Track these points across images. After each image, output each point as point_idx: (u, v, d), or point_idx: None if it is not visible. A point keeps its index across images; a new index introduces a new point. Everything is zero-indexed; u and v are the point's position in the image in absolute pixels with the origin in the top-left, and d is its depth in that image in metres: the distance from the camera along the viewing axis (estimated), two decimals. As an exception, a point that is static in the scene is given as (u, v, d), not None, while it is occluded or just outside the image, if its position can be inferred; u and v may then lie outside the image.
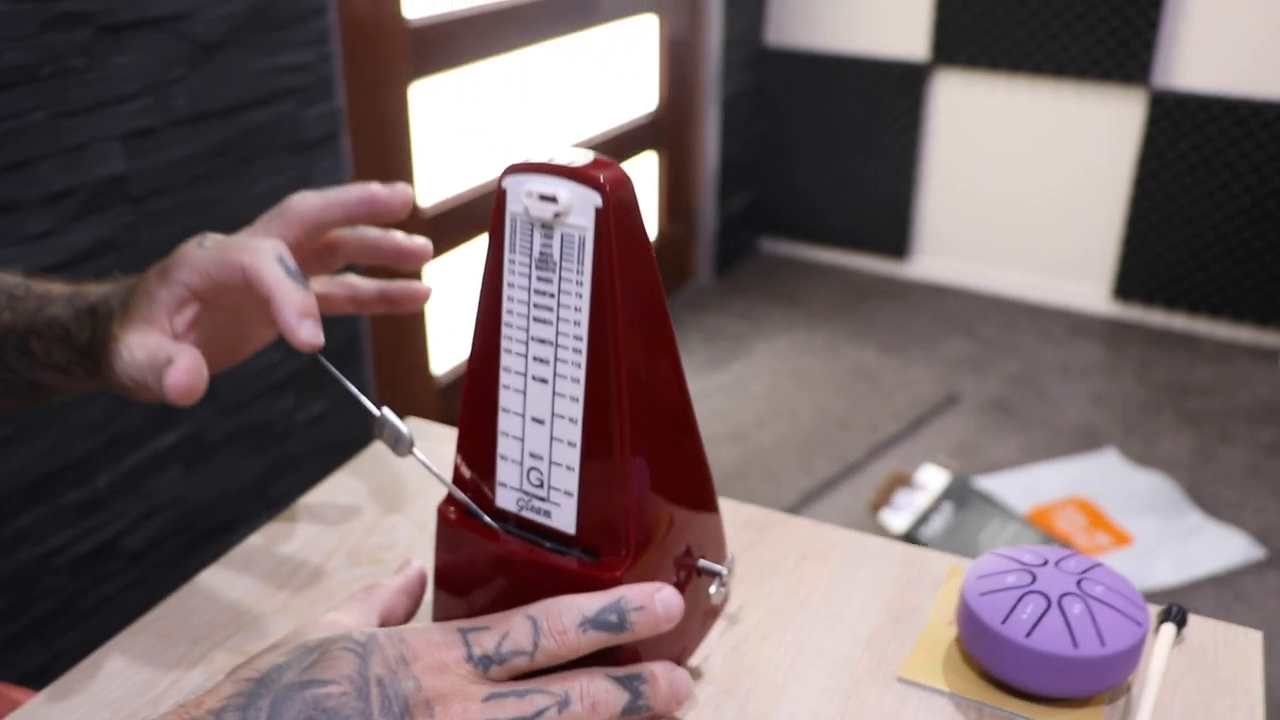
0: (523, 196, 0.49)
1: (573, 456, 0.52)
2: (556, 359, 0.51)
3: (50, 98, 1.28)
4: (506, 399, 0.54)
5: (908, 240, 3.23)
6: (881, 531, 2.07)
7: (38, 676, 1.38)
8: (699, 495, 0.59)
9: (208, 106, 1.48)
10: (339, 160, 1.71)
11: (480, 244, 2.26)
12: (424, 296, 0.72)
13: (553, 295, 0.50)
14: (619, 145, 2.71)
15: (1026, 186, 3.04)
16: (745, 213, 3.34)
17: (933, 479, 2.05)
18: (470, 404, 0.56)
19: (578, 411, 0.52)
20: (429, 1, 2.00)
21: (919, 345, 2.85)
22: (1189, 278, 2.86)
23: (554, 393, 0.52)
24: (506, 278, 0.52)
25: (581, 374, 0.51)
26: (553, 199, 0.48)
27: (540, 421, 0.53)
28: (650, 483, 0.54)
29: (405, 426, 0.56)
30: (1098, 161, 2.90)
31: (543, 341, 0.51)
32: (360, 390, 1.86)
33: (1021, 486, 2.23)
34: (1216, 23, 2.65)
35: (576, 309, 0.50)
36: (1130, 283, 2.94)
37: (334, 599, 0.66)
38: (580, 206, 0.48)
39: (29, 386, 0.67)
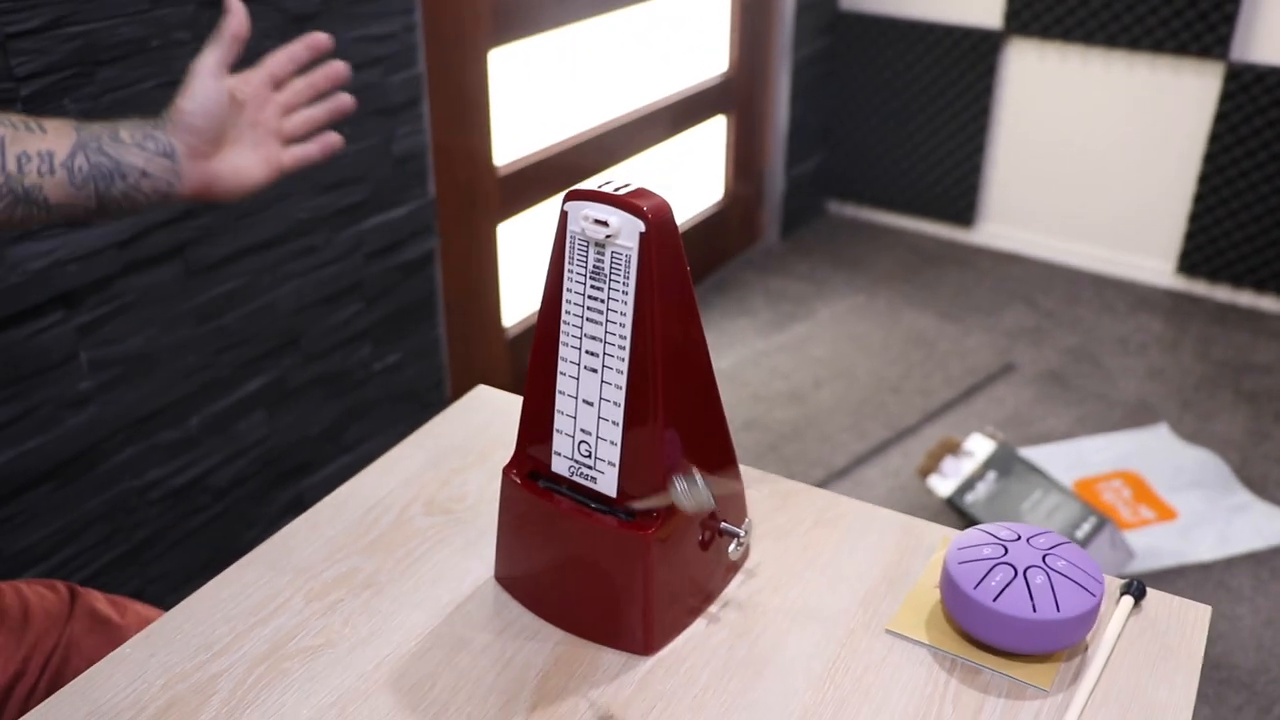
0: (580, 219, 0.60)
1: (616, 433, 0.63)
2: (605, 353, 0.62)
3: (158, 68, 1.40)
4: (563, 384, 0.64)
5: (974, 208, 3.26)
6: (928, 495, 2.15)
7: (135, 598, 1.54)
8: (722, 464, 0.70)
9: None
10: (420, 124, 1.82)
11: (552, 205, 2.36)
12: (340, 73, 0.88)
13: (603, 301, 0.61)
14: (689, 108, 2.79)
15: (1095, 158, 3.06)
16: (813, 175, 3.40)
17: (980, 447, 2.12)
18: (533, 386, 0.66)
19: (621, 397, 0.62)
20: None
21: (979, 313, 2.91)
22: (1257, 255, 2.87)
23: (602, 380, 0.62)
24: (566, 284, 0.62)
25: (625, 366, 0.61)
26: (605, 223, 0.58)
27: (590, 403, 0.63)
28: (679, 455, 0.64)
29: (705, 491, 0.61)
30: (1170, 135, 2.91)
31: (594, 339, 0.62)
32: (433, 343, 1.99)
33: (1070, 458, 2.30)
34: (1296, 0, 2.64)
35: (622, 314, 0.60)
36: (1196, 258, 2.96)
37: (410, 543, 0.77)
38: (627, 230, 0.58)
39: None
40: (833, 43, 3.25)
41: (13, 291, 1.27)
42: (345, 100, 0.89)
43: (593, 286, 0.61)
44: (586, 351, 0.62)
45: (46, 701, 0.66)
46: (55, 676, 0.83)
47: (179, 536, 1.59)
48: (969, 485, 2.05)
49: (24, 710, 0.81)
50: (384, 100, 1.74)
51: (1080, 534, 1.87)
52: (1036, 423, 2.43)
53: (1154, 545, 2.03)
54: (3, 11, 1.20)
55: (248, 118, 0.83)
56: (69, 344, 1.37)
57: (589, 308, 0.61)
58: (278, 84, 0.86)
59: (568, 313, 0.62)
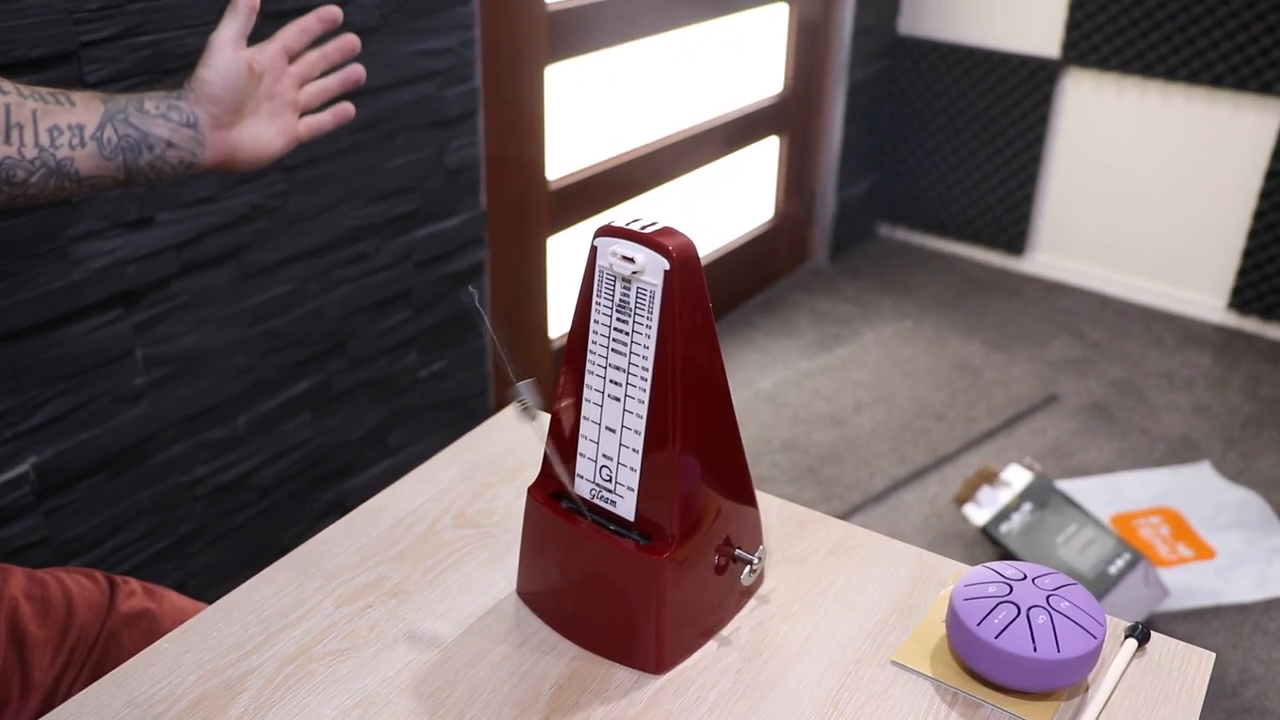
0: (609, 254, 0.62)
1: (636, 460, 0.65)
2: (628, 383, 0.64)
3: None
4: (587, 410, 0.67)
5: (1025, 236, 3.25)
6: (963, 524, 2.15)
7: (176, 590, 1.59)
8: (739, 493, 0.72)
9: (360, 86, 1.64)
10: (474, 136, 1.86)
11: (601, 220, 2.39)
12: (352, 44, 0.92)
13: (628, 334, 0.63)
14: (743, 127, 2.81)
15: (1149, 191, 3.04)
16: (865, 198, 3.41)
17: (1017, 478, 2.12)
18: (559, 410, 0.69)
19: (642, 425, 0.64)
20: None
21: (1025, 343, 2.90)
22: (1311, 294, 2.83)
23: (624, 409, 0.65)
24: (593, 316, 0.65)
25: (646, 397, 0.64)
26: (631, 260, 0.61)
27: (612, 430, 0.66)
28: (697, 482, 0.67)
29: (536, 406, 0.67)
30: (1226, 170, 2.89)
31: (618, 369, 0.64)
32: (478, 352, 2.03)
33: (1108, 492, 2.28)
34: (1360, 38, 2.61)
35: (645, 346, 0.63)
36: (1249, 294, 2.93)
37: (439, 554, 0.80)
38: (653, 268, 0.61)
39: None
40: (889, 66, 3.25)
41: (75, 289, 1.32)
42: (357, 71, 0.93)
43: (618, 319, 0.63)
44: (610, 380, 0.65)
45: (86, 691, 0.69)
46: (96, 667, 0.86)
47: (221, 532, 1.64)
48: (1004, 515, 2.05)
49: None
50: (439, 113, 1.78)
51: (1114, 569, 1.86)
52: (1077, 455, 2.42)
53: (1191, 584, 2.01)
54: (78, 21, 1.25)
55: (264, 89, 0.86)
56: (126, 341, 1.42)
57: (614, 339, 0.64)
58: (291, 56, 0.89)
59: (594, 343, 0.65)
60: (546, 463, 0.71)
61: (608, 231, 0.63)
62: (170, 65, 1.37)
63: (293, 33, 0.89)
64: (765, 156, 3.00)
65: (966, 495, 2.16)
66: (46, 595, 0.87)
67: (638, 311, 0.62)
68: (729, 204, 2.93)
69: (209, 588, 1.64)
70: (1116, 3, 2.85)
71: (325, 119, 0.91)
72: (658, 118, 2.53)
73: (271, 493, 1.70)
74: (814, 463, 2.36)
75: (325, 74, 0.93)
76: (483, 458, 0.92)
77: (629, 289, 0.62)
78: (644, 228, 0.62)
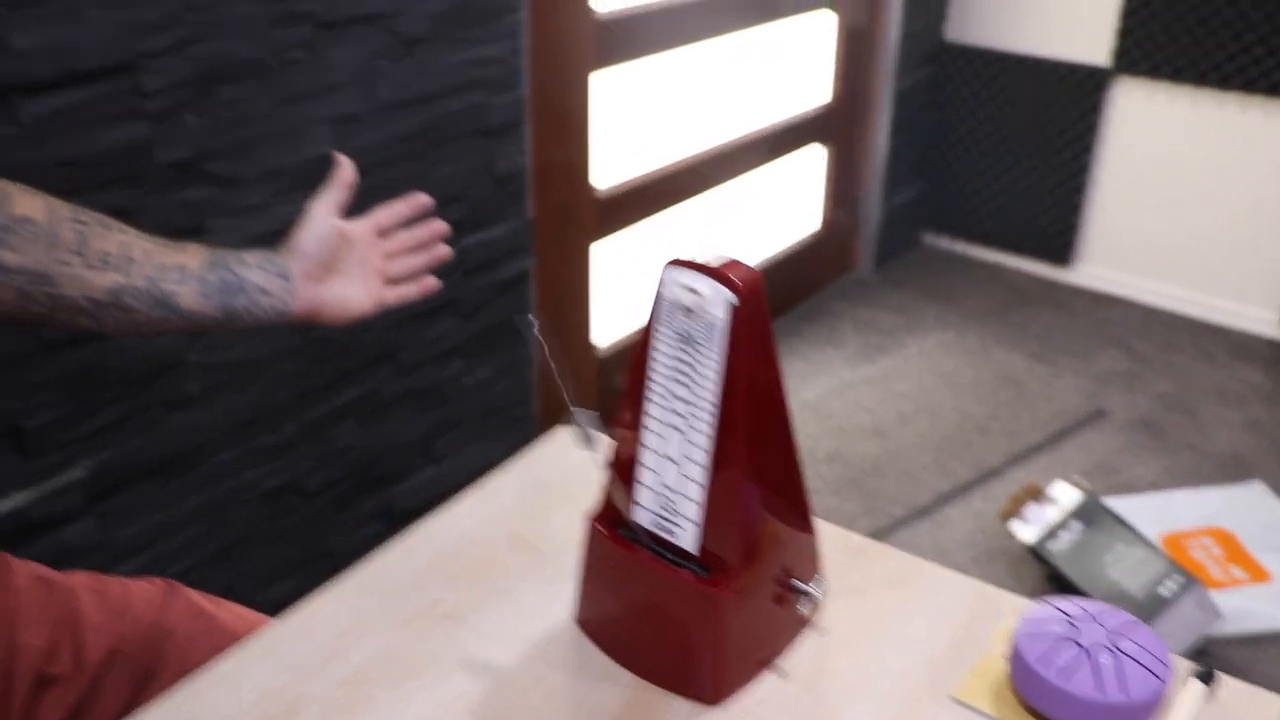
0: (675, 286, 0.62)
1: (697, 492, 0.65)
2: (690, 415, 0.64)
3: (274, 87, 1.46)
4: (648, 439, 0.67)
5: (1072, 247, 3.22)
6: (1009, 540, 2.13)
7: (225, 596, 1.60)
8: (798, 523, 0.71)
9: (407, 95, 1.65)
10: (521, 144, 1.86)
11: (646, 226, 2.39)
12: (441, 230, 1.02)
13: (691, 365, 0.63)
14: (789, 135, 2.80)
15: (1201, 201, 2.99)
16: (910, 206, 3.38)
17: (1064, 495, 2.09)
18: (621, 438, 0.69)
19: (704, 458, 0.64)
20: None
21: (1071, 355, 2.87)
22: (1366, 309, 2.78)
23: (686, 440, 0.65)
24: (657, 346, 0.64)
25: (709, 430, 0.63)
26: (697, 292, 0.61)
27: (674, 461, 0.66)
28: (758, 514, 0.66)
29: (596, 431, 0.71)
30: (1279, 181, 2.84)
31: (680, 399, 0.64)
32: (524, 360, 2.03)
33: (1158, 511, 2.25)
34: None
35: (709, 379, 0.62)
36: (1302, 309, 2.88)
37: (495, 578, 0.80)
38: (719, 301, 0.60)
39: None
40: (936, 73, 3.23)
41: (131, 299, 1.34)
42: (443, 251, 1.03)
43: (682, 350, 0.63)
44: (673, 411, 0.65)
45: (145, 710, 0.70)
46: (154, 660, 0.88)
47: (269, 537, 1.65)
48: (1052, 534, 2.02)
49: (122, 689, 0.87)
50: (486, 121, 1.78)
51: (1165, 591, 1.84)
52: (1125, 471, 2.39)
53: (1244, 607, 1.98)
54: (135, 31, 1.27)
55: (356, 256, 0.95)
56: (179, 349, 1.43)
57: (678, 370, 0.64)
58: (383, 233, 0.99)
59: (657, 373, 0.65)
60: (606, 491, 0.71)
61: (677, 263, 0.63)
62: (225, 75, 1.38)
63: (385, 214, 0.99)
64: (810, 164, 2.98)
65: (1012, 511, 2.14)
66: (105, 589, 0.91)
67: (703, 344, 0.62)
68: (774, 211, 2.92)
69: (257, 593, 1.65)
70: (1169, 10, 2.81)
71: (411, 290, 1.00)
72: (704, 124, 2.53)
73: (318, 498, 1.71)
74: (857, 474, 2.34)
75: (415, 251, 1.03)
76: (539, 479, 0.92)
77: (694, 320, 0.62)
78: (710, 261, 0.61)
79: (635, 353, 0.66)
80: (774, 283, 2.94)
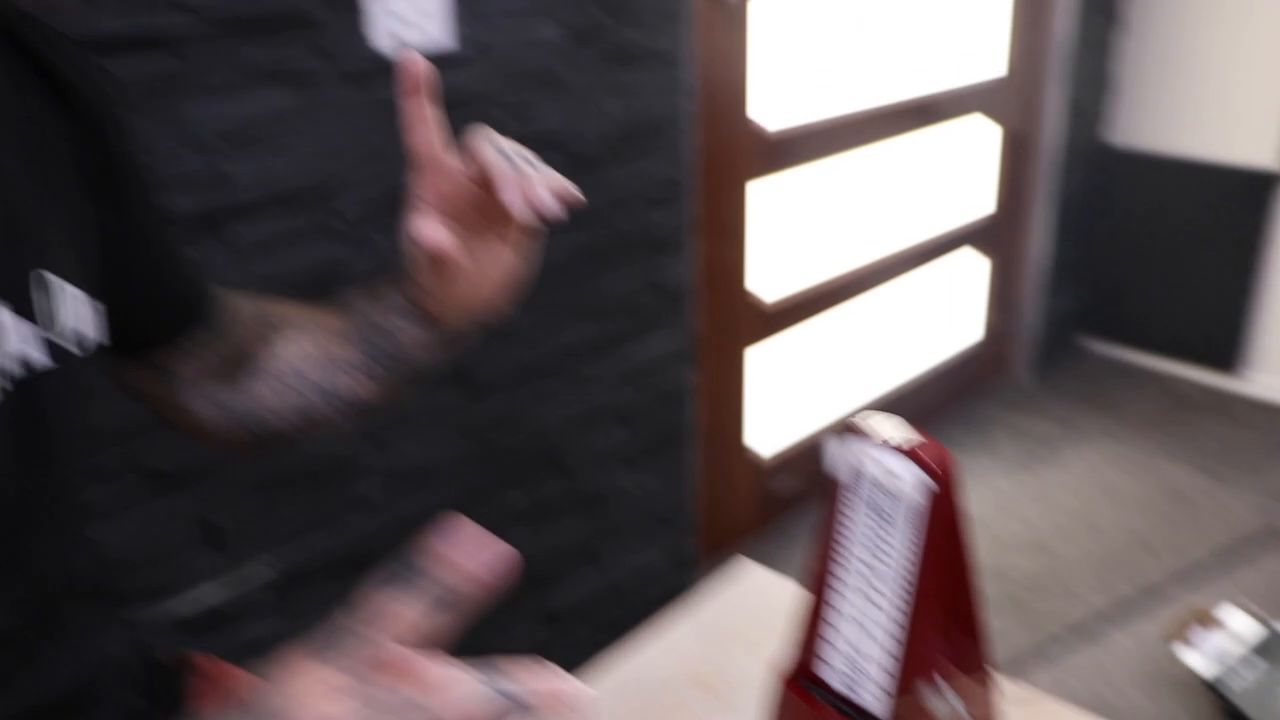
0: (870, 462, 0.64)
1: (887, 659, 0.67)
2: (883, 585, 0.66)
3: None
4: (837, 601, 0.69)
5: (1239, 354, 3.10)
6: (1176, 666, 2.04)
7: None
8: (979, 681, 0.72)
9: (581, 212, 1.73)
10: (683, 255, 1.92)
11: (800, 331, 2.41)
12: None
13: (885, 540, 0.65)
14: (949, 242, 2.80)
15: (1384, 312, 2.86)
16: (1071, 312, 3.32)
17: (1234, 621, 2.00)
18: (811, 595, 0.71)
19: (895, 630, 0.66)
20: (769, 99, 2.17)
21: (1242, 470, 2.75)
22: None
23: (878, 609, 0.66)
24: (849, 513, 0.67)
25: (902, 603, 0.65)
26: (894, 474, 0.63)
27: (864, 627, 0.67)
28: (942, 681, 0.67)
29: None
30: None
31: (873, 570, 0.66)
32: (684, 467, 2.05)
33: (1340, 640, 2.13)
34: None
35: (902, 556, 0.64)
36: None
37: (675, 715, 0.83)
38: (916, 484, 0.63)
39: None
40: (1096, 178, 3.19)
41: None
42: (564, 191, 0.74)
43: (876, 523, 0.65)
44: (864, 579, 0.67)
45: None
46: None
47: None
48: (1233, 670, 1.93)
49: None
50: (652, 234, 1.85)
51: (1350, 736, 1.74)
52: (1303, 599, 2.28)
53: None
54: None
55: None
56: (357, 453, 1.51)
57: (873, 542, 0.66)
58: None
59: (847, 539, 0.67)
60: (796, 647, 0.73)
61: (870, 438, 0.65)
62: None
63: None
64: (969, 270, 2.97)
65: (1177, 634, 2.06)
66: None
67: (899, 522, 0.64)
68: (931, 317, 2.90)
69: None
70: (1347, 116, 2.73)
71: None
72: (863, 232, 2.55)
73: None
74: (1016, 590, 2.29)
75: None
76: (715, 621, 0.94)
77: (889, 497, 0.64)
78: (903, 442, 0.64)
79: (824, 512, 0.69)
80: (930, 389, 2.91)
